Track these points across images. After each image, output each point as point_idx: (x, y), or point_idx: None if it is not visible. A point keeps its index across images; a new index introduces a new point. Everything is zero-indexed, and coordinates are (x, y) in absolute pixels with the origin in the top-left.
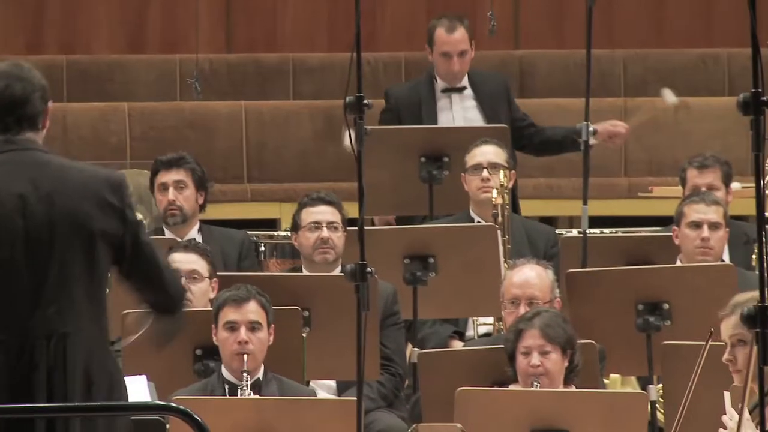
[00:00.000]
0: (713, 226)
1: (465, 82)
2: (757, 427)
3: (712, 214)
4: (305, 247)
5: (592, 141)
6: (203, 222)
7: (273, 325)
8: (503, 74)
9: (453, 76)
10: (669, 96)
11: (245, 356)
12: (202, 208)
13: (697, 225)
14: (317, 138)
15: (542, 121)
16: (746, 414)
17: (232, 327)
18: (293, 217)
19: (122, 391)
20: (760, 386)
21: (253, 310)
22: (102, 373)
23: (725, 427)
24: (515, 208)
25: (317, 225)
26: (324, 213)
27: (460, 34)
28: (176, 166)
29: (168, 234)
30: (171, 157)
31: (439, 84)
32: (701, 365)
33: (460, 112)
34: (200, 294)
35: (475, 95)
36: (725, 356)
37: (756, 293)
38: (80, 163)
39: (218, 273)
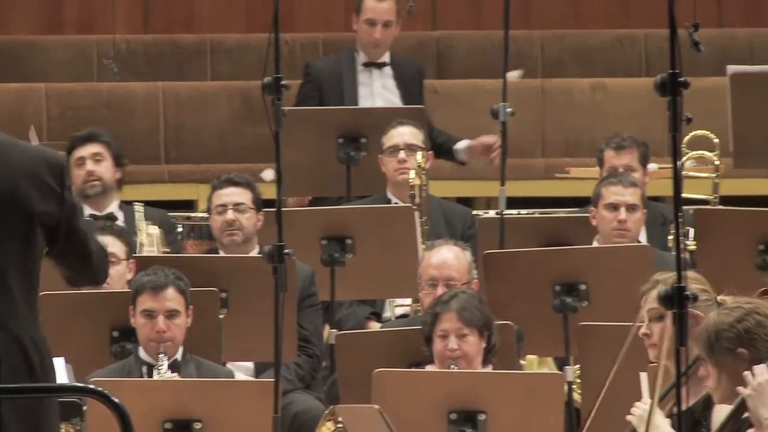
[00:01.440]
0: (630, 208)
1: (386, 58)
2: (672, 408)
3: (629, 196)
4: (215, 229)
5: (464, 158)
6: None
7: (191, 307)
8: (420, 62)
9: (374, 45)
10: (514, 75)
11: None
12: (119, 183)
13: (614, 207)
14: (235, 119)
15: (461, 101)
16: (656, 398)
17: (150, 315)
18: (208, 199)
19: (54, 372)
20: (677, 366)
21: (170, 298)
22: (39, 354)
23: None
24: None
25: (224, 207)
26: (231, 195)
27: (388, 4)
28: (92, 140)
29: (88, 210)
30: (86, 132)
31: (360, 58)
32: (628, 344)
33: (379, 88)
34: (117, 276)
35: (394, 74)
36: (642, 330)
37: (689, 273)
38: (22, 142)
39: (135, 255)
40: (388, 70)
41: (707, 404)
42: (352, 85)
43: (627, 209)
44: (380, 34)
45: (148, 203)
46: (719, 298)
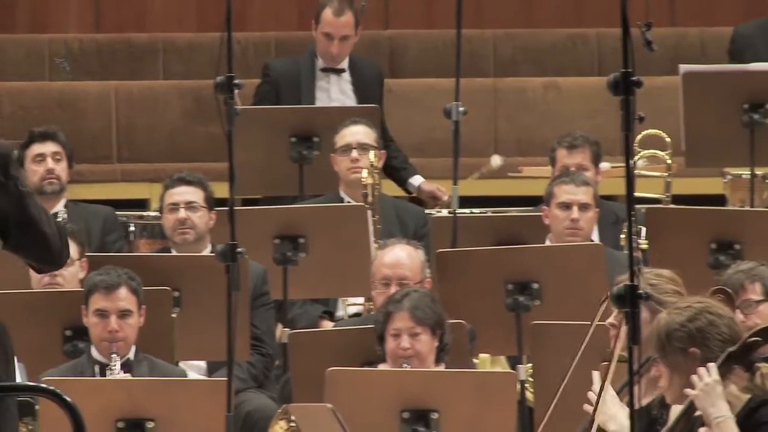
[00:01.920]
0: (583, 207)
1: (345, 64)
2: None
3: (581, 195)
4: (167, 228)
5: (413, 191)
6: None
7: (144, 307)
8: (379, 64)
9: (331, 57)
10: (496, 161)
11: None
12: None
13: (566, 206)
14: (187, 118)
15: (414, 100)
16: (611, 390)
17: (102, 314)
18: (160, 198)
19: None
20: (630, 364)
21: (123, 298)
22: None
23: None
24: None
25: (176, 206)
26: (182, 194)
27: (347, 18)
28: (52, 138)
29: None
30: (46, 130)
31: (319, 62)
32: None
33: (336, 93)
34: (70, 276)
35: (352, 79)
36: (609, 319)
37: (659, 271)
38: None
39: (89, 254)
40: (346, 75)
41: (664, 402)
42: (309, 88)
43: (579, 208)
44: (337, 48)
45: (100, 203)
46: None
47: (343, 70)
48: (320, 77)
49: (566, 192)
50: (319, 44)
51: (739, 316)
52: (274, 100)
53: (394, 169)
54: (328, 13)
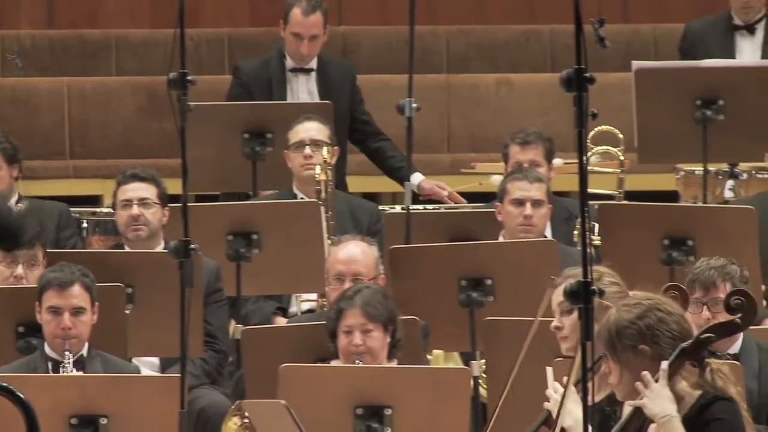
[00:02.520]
0: (536, 203)
1: (314, 64)
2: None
3: (534, 191)
4: (120, 224)
5: (414, 189)
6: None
7: (97, 304)
8: (352, 65)
9: (300, 57)
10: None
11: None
12: (16, 180)
13: (519, 202)
14: (140, 114)
15: (367, 97)
16: (571, 387)
17: (56, 311)
18: (113, 195)
19: None
20: (583, 360)
21: (76, 295)
22: None
23: (548, 401)
24: (339, 185)
25: (129, 202)
26: (136, 190)
27: (315, 18)
28: None
29: None
30: None
31: (288, 62)
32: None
33: (304, 93)
34: (35, 280)
35: (318, 79)
36: (553, 323)
37: (596, 269)
38: None
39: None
40: (314, 75)
41: (616, 400)
42: (280, 89)
43: (532, 204)
44: (307, 48)
45: (53, 199)
46: (631, 294)
47: (311, 70)
48: (290, 78)
49: (519, 188)
50: (289, 44)
51: (705, 313)
52: (248, 100)
53: (393, 170)
54: (296, 13)
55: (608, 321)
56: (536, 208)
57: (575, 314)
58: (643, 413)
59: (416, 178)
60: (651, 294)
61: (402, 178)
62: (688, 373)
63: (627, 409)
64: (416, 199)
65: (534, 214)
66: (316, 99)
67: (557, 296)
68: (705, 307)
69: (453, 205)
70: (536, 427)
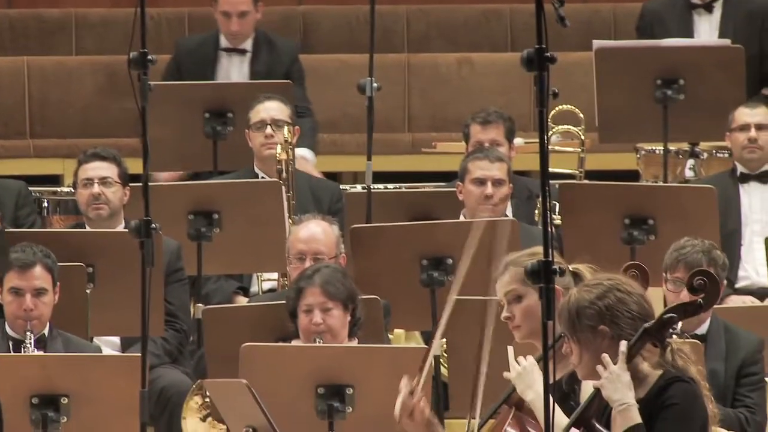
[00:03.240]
0: (497, 182)
1: (248, 44)
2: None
3: (495, 170)
4: (81, 203)
5: None
6: None
7: (59, 284)
8: (295, 44)
9: (233, 36)
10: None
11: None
12: None
13: (480, 181)
14: (100, 93)
15: (327, 76)
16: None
17: (17, 293)
18: (74, 174)
19: None
20: (544, 340)
21: (38, 276)
22: None
23: (508, 381)
24: None
25: (90, 181)
26: (96, 169)
27: None
28: None
29: None
30: None
31: (222, 42)
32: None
33: (236, 73)
34: None
35: (254, 59)
36: (503, 314)
37: (531, 249)
38: None
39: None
40: (249, 55)
41: (575, 378)
42: (210, 69)
43: (493, 184)
44: (237, 25)
45: (13, 178)
46: (571, 267)
47: (245, 51)
48: (221, 57)
49: (480, 168)
50: (220, 24)
51: (684, 294)
52: (177, 78)
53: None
54: None
55: (568, 301)
56: (497, 188)
57: (524, 302)
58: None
59: (302, 151)
60: (611, 274)
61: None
62: (650, 353)
63: (587, 388)
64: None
65: (495, 194)
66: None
67: (503, 286)
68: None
69: (414, 184)
70: (500, 404)
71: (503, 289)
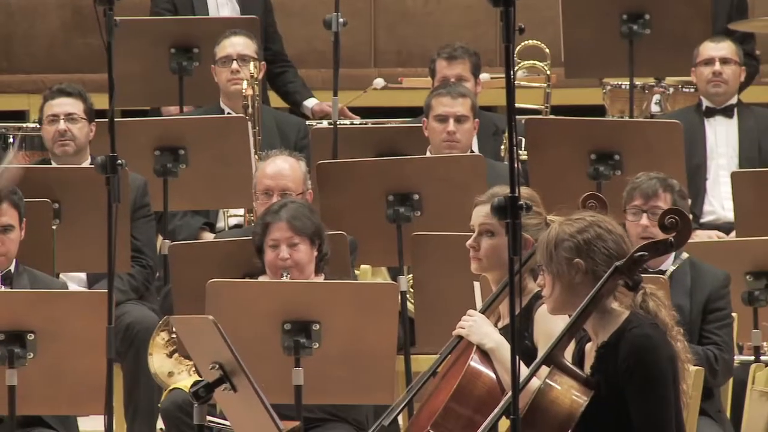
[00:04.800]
0: (459, 118)
1: None
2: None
3: (458, 106)
4: (47, 140)
5: (308, 113)
6: None
7: (25, 220)
8: None
9: None
10: (379, 83)
11: None
12: None
13: (443, 118)
14: (66, 29)
15: (294, 12)
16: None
17: None
18: (39, 110)
19: None
20: (511, 278)
21: (5, 213)
22: None
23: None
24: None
25: (55, 118)
26: (63, 105)
27: None
28: None
29: None
30: None
31: None
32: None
33: (223, 3)
34: None
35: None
36: (469, 241)
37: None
38: None
39: None
40: None
41: (527, 314)
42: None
43: (456, 120)
44: None
45: None
46: (549, 218)
47: None
48: None
49: (443, 104)
50: None
51: (644, 220)
52: (172, 11)
53: (289, 94)
54: None
55: (549, 233)
56: (460, 124)
57: (494, 239)
58: (574, 330)
59: (310, 102)
60: (594, 213)
61: (298, 102)
62: (622, 294)
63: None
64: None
65: (458, 130)
66: (233, 9)
67: (479, 215)
68: (645, 215)
69: (381, 120)
70: (447, 353)
71: (480, 219)
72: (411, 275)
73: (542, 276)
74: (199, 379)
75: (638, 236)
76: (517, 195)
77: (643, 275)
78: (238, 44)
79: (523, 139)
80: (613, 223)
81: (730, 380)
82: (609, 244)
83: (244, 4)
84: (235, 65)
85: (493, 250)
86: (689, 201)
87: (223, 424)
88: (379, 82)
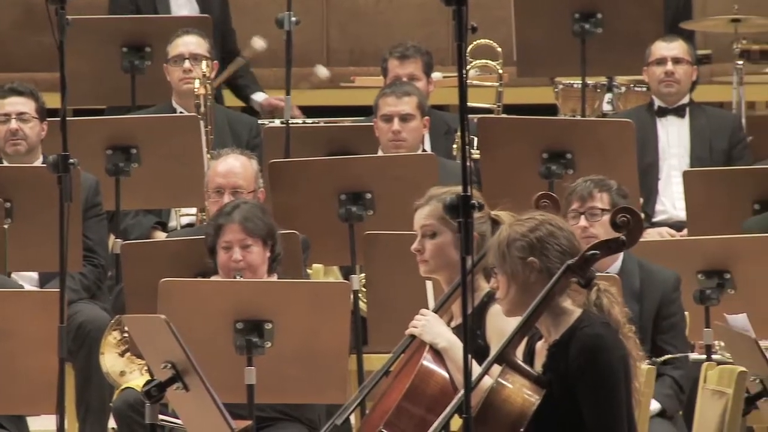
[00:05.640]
0: (404, 117)
1: None
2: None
3: (403, 105)
4: None
5: (256, 108)
6: None
7: None
8: None
9: None
10: (321, 71)
11: None
12: None
13: (388, 118)
14: (17, 27)
15: (246, 10)
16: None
17: None
18: None
19: None
20: (463, 278)
21: None
22: None
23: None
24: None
25: (7, 117)
26: (14, 104)
27: None
28: None
29: None
30: None
31: None
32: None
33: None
34: None
35: None
36: (414, 245)
37: (454, 188)
38: None
39: None
40: None
41: (480, 314)
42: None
43: (401, 119)
44: None
45: None
46: (493, 213)
47: None
48: None
49: (387, 104)
50: None
51: (582, 222)
52: (134, 10)
53: (239, 87)
54: None
55: (500, 234)
56: (405, 123)
57: (438, 239)
58: (527, 329)
59: (259, 96)
60: (544, 212)
61: (246, 96)
62: (576, 292)
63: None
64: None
65: (403, 129)
66: (193, 7)
67: (420, 217)
68: (582, 216)
69: (333, 119)
70: (400, 352)
71: (420, 221)
72: (363, 274)
73: (495, 278)
74: (151, 378)
75: (579, 239)
76: (469, 194)
77: (605, 283)
78: (191, 43)
79: (476, 138)
80: (563, 221)
81: None
82: (561, 241)
83: (203, 4)
84: (187, 64)
85: (437, 250)
86: (641, 200)
87: (176, 423)
88: (321, 69)
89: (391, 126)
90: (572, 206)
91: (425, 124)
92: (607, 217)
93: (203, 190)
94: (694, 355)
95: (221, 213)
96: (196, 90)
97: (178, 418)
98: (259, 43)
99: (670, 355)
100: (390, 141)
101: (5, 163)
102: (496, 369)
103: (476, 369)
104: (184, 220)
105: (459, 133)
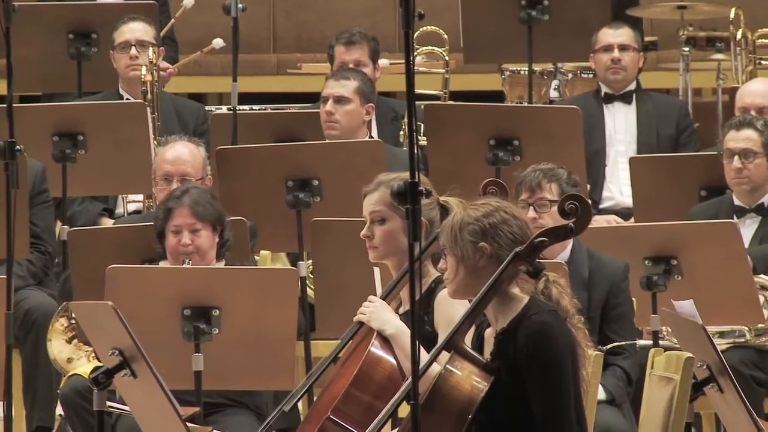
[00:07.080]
0: (339, 99)
1: None
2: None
3: (338, 88)
4: None
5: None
6: None
7: None
8: None
9: None
10: (218, 42)
11: None
12: None
13: (324, 100)
14: None
15: None
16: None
17: None
18: None
19: None
20: (411, 264)
21: None
22: None
23: (369, 302)
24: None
25: None
26: None
27: None
28: None
29: None
30: None
31: None
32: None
33: None
34: None
35: None
36: (363, 231)
37: (403, 174)
38: None
39: None
40: None
41: (429, 301)
42: None
43: (335, 101)
44: None
45: None
46: (441, 199)
47: None
48: None
49: (326, 87)
50: None
51: (531, 213)
52: None
53: None
54: None
55: (454, 216)
56: (340, 105)
57: (387, 225)
58: (475, 316)
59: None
60: (499, 199)
61: None
62: (524, 282)
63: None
64: (242, 100)
65: (336, 111)
66: None
67: (369, 204)
68: (531, 207)
69: (280, 105)
70: (348, 339)
71: (369, 207)
72: (311, 261)
73: (444, 259)
74: (99, 365)
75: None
76: (417, 181)
77: (544, 261)
78: (137, 30)
79: (422, 125)
80: (518, 210)
81: None
82: (514, 229)
83: None
84: (133, 51)
85: (387, 236)
86: (588, 187)
87: (123, 410)
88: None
89: (325, 107)
90: (521, 196)
91: (368, 110)
92: (555, 207)
93: (150, 176)
94: (641, 342)
95: (171, 197)
96: (142, 77)
97: (126, 405)
98: (218, 42)
99: (617, 343)
100: (324, 122)
101: None
102: (445, 356)
103: (424, 356)
104: (131, 207)
105: (406, 120)
